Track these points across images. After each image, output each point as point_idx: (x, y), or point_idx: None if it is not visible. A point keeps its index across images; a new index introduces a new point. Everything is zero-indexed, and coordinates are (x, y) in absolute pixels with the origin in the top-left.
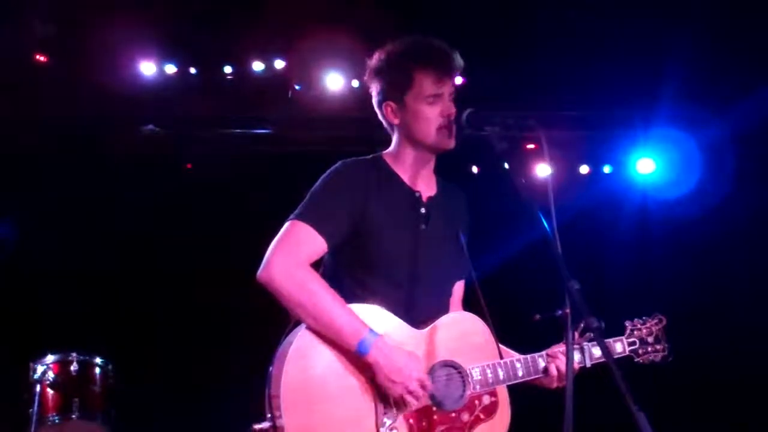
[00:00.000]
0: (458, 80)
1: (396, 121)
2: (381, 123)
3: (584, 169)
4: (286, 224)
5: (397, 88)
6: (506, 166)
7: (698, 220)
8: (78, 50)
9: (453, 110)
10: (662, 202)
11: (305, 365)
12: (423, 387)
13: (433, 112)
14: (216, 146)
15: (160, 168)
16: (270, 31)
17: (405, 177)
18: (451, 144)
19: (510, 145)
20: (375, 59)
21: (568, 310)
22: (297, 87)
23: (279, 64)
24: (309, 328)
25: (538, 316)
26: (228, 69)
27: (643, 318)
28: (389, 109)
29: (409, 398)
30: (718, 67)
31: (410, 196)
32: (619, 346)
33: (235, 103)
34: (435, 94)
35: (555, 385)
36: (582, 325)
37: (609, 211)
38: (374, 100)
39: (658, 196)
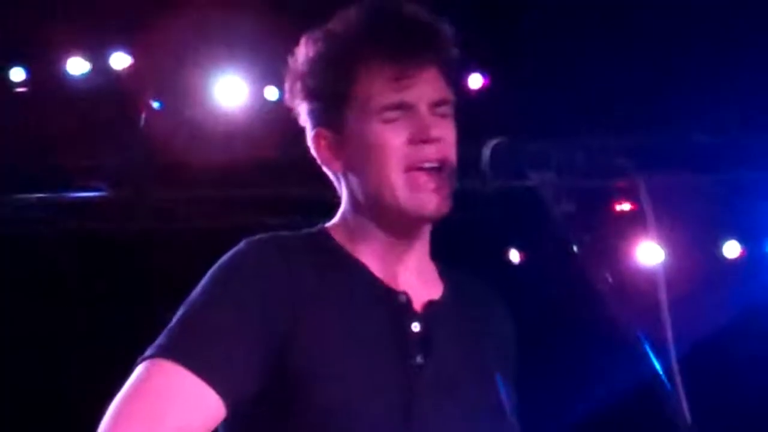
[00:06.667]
0: (475, 81)
1: (336, 165)
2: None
3: (731, 249)
4: (139, 368)
5: (330, 99)
6: (575, 248)
7: None
8: None
9: (437, 133)
10: None
11: None
12: None
13: (395, 138)
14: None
15: None
16: (101, 3)
17: (373, 264)
18: (438, 208)
19: (580, 207)
20: (296, 57)
21: None
22: (155, 104)
23: (119, 61)
24: None
25: None
26: (18, 73)
27: None
28: (322, 142)
29: None
30: None
31: (387, 299)
32: None
33: (32, 137)
34: (396, 105)
35: None
36: None
37: None
38: (305, 130)
39: None
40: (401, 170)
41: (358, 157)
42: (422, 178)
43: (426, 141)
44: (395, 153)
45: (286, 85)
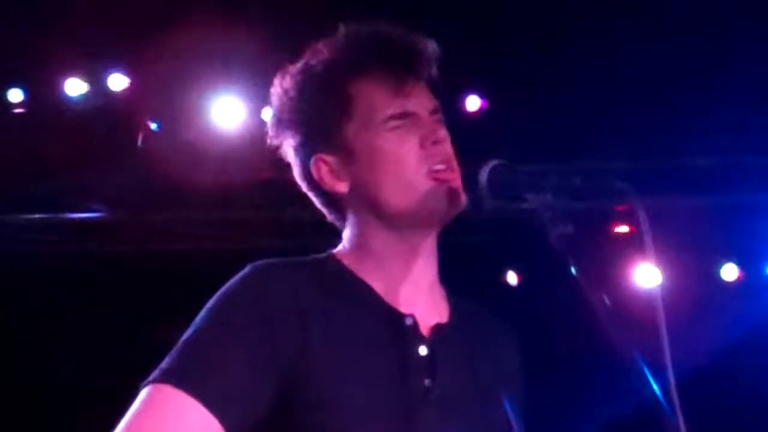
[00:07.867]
0: (473, 103)
1: (341, 187)
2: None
3: (729, 272)
4: (142, 393)
5: (327, 121)
6: (573, 270)
7: None
8: None
9: (442, 134)
10: None
11: None
12: None
13: (406, 143)
14: None
15: None
16: (99, 24)
17: (381, 287)
18: (462, 200)
19: (578, 229)
20: (277, 95)
21: None
22: (153, 125)
23: (117, 82)
24: None
25: None
26: (16, 94)
27: None
28: (323, 166)
29: None
30: None
31: (394, 322)
32: None
33: (31, 158)
34: (401, 114)
35: None
36: None
37: None
38: (294, 165)
39: None
40: (422, 175)
41: (370, 169)
42: (444, 175)
43: (436, 142)
44: (411, 157)
45: (270, 123)
